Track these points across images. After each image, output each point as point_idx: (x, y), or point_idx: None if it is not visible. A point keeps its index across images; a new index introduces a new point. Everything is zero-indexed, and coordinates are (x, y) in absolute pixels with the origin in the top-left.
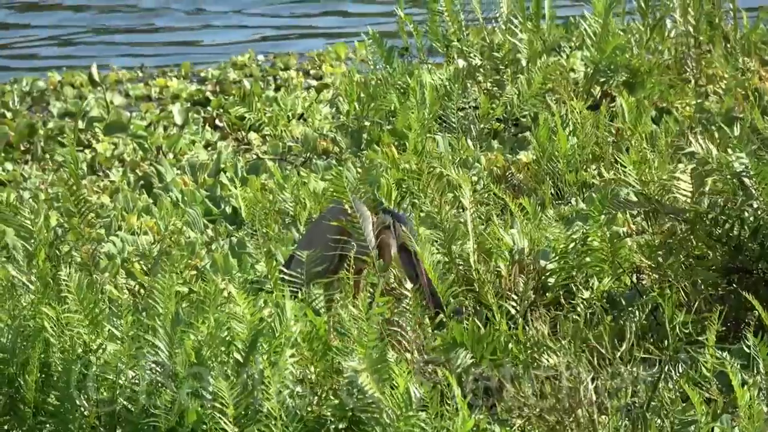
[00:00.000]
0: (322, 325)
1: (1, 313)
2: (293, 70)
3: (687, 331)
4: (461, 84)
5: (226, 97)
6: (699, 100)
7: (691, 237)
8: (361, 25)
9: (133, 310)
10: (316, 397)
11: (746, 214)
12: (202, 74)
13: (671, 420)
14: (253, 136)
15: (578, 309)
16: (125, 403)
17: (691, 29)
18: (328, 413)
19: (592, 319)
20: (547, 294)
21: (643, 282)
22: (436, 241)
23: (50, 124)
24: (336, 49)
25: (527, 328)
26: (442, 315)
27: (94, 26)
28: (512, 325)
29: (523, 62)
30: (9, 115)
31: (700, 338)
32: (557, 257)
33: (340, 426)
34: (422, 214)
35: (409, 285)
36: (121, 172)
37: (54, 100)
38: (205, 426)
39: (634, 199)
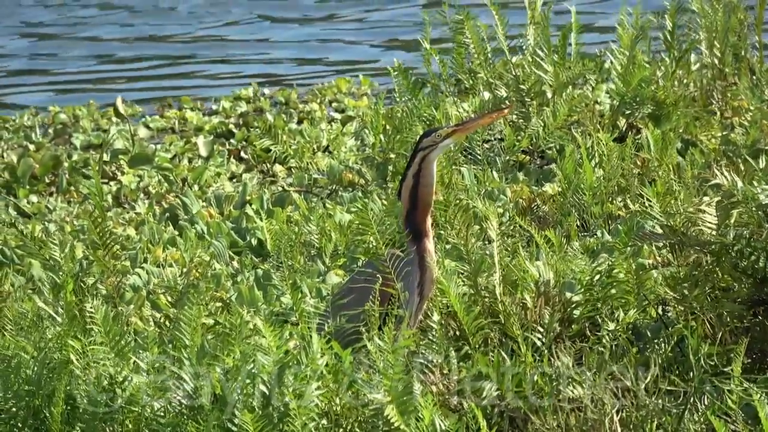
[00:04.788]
0: (348, 357)
1: (27, 345)
2: (316, 103)
3: (712, 363)
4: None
5: (249, 129)
6: (724, 132)
7: (717, 269)
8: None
9: (158, 342)
10: (341, 430)
11: None
12: (213, 107)
13: None
14: (278, 168)
15: (603, 341)
16: None
17: (717, 61)
18: None
19: (617, 351)
20: (572, 326)
21: (669, 314)
22: (462, 273)
23: (74, 156)
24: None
25: (552, 359)
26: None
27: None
28: (538, 357)
29: (549, 94)
30: (32, 147)
31: (725, 370)
32: (583, 289)
33: None
34: (448, 246)
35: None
36: (146, 205)
37: (75, 132)
38: None
39: (660, 231)
